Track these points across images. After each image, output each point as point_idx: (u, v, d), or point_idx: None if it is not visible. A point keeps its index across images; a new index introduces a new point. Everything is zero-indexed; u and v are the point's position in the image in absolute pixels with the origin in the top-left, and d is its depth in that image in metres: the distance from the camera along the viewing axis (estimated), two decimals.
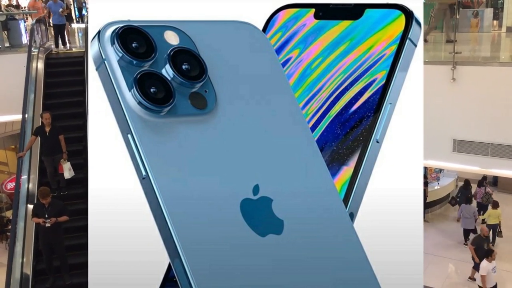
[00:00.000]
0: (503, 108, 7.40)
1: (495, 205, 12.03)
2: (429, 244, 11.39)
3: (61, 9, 11.50)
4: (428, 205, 13.44)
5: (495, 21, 11.96)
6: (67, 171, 8.05)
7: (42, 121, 8.14)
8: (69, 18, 13.55)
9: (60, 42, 11.82)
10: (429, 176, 14.04)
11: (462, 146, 7.78)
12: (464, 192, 12.95)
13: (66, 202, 7.70)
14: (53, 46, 11.70)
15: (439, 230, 12.74)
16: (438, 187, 14.19)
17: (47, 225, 6.62)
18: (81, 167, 8.50)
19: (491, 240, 11.71)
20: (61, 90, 10.13)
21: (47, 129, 8.00)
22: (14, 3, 17.41)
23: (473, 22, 11.41)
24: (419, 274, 1.79)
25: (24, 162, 8.48)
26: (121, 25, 1.45)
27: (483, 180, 13.17)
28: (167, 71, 1.44)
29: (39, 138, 8.19)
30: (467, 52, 9.12)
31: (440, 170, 14.30)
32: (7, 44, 12.34)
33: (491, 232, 11.73)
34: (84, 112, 9.34)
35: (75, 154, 8.71)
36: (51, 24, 12.03)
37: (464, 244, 11.87)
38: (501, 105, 7.43)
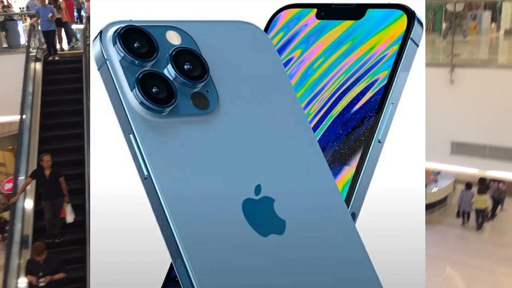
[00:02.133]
0: (501, 111, 7.43)
1: (481, 190, 12.86)
2: (427, 247, 11.38)
3: (50, 14, 10.95)
4: (426, 208, 13.45)
5: (493, 24, 12.00)
6: (70, 214, 7.70)
7: (41, 163, 7.65)
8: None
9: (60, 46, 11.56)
10: (427, 178, 14.07)
11: (460, 149, 7.79)
12: (482, 184, 13.39)
13: (62, 249, 7.43)
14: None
15: (437, 232, 12.78)
16: (436, 190, 14.21)
17: (41, 284, 6.26)
18: (81, 208, 8.03)
19: (478, 224, 12.84)
20: (60, 87, 10.12)
21: (47, 172, 7.57)
22: (5, 3, 17.07)
23: (471, 24, 11.44)
24: (421, 274, 1.79)
25: (22, 162, 8.45)
26: (123, 25, 1.45)
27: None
28: (169, 71, 1.44)
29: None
30: (465, 55, 9.14)
31: (438, 173, 14.33)
32: (5, 45, 12.32)
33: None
34: (83, 105, 9.24)
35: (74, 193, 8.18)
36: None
37: (461, 224, 13.13)
38: (499, 108, 7.45)
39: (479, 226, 12.88)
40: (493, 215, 13.61)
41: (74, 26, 13.89)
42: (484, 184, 13.42)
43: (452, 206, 14.31)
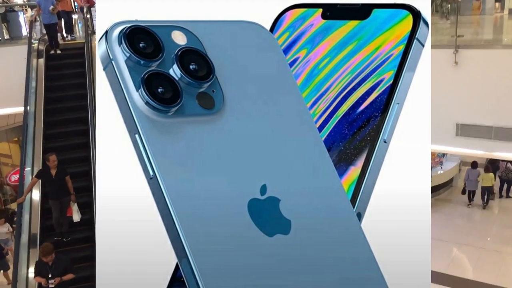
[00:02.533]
0: (506, 91, 7.35)
1: (487, 169, 12.96)
2: (434, 229, 11.42)
3: (51, 7, 10.65)
4: (431, 190, 13.50)
5: (497, 4, 11.90)
6: (76, 213, 7.67)
7: (47, 163, 7.54)
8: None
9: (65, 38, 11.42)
10: (432, 161, 14.04)
11: (465, 130, 7.73)
12: (491, 163, 13.48)
13: (70, 248, 7.42)
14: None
15: (443, 214, 12.77)
16: (442, 172, 14.18)
17: (51, 286, 6.20)
18: (88, 206, 8.02)
19: (484, 201, 12.97)
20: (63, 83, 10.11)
21: (53, 171, 7.48)
22: None
23: (475, 4, 11.38)
24: (427, 274, 1.80)
25: (28, 154, 8.45)
26: (129, 25, 1.44)
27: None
28: (175, 71, 1.44)
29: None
30: (470, 35, 9.06)
31: (443, 155, 14.30)
32: (7, 36, 12.25)
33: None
34: (87, 114, 9.20)
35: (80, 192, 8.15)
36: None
37: (468, 205, 13.12)
38: (504, 88, 7.37)
39: (485, 204, 12.92)
40: (501, 195, 13.67)
41: (75, 16, 13.78)
42: (493, 164, 13.45)
43: (458, 188, 14.29)
